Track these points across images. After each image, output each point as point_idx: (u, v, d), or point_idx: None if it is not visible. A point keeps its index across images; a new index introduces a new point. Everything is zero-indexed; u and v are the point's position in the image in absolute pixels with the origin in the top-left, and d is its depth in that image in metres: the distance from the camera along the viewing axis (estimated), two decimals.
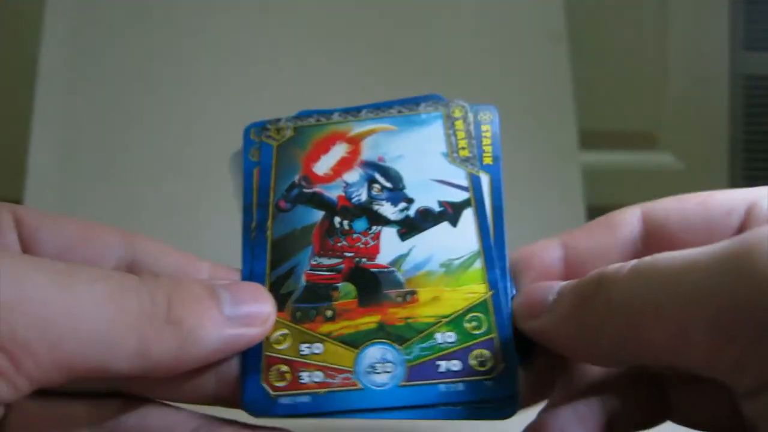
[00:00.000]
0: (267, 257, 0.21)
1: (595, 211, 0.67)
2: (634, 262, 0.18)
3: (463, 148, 0.23)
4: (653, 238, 0.22)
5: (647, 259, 0.18)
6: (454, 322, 0.20)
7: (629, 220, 0.22)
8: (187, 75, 0.64)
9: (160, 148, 0.62)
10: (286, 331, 0.20)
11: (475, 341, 0.20)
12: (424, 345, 0.20)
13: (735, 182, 0.88)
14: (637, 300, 0.17)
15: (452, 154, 0.23)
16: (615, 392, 0.21)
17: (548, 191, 0.65)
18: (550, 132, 0.67)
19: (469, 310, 0.20)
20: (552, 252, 0.23)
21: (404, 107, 0.26)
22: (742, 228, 0.20)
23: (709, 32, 0.85)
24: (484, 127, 0.24)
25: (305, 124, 0.24)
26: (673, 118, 0.85)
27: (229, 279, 0.21)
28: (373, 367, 0.19)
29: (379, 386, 0.19)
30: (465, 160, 0.23)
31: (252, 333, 0.19)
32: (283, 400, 0.19)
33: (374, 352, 0.20)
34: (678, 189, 0.86)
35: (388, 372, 0.19)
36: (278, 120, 0.24)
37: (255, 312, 0.19)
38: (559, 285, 0.20)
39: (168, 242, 0.22)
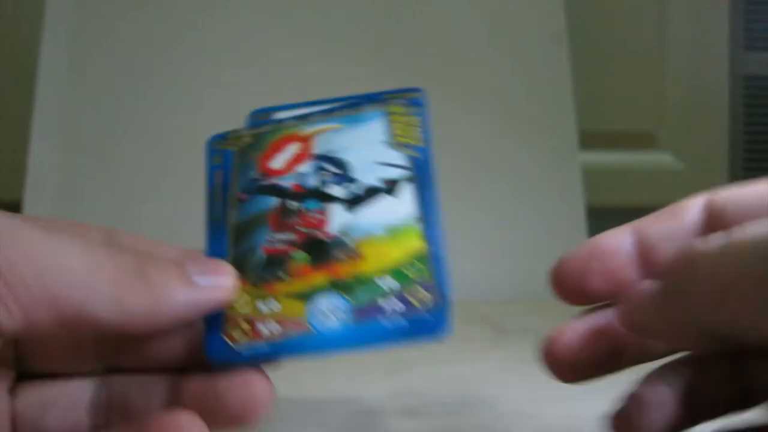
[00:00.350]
0: (228, 240, 0.24)
1: (595, 211, 0.68)
2: (727, 234, 0.18)
3: (401, 135, 0.26)
4: (713, 224, 0.23)
5: (742, 229, 0.18)
6: (396, 270, 0.22)
7: (693, 207, 0.24)
8: (187, 74, 0.64)
9: (160, 147, 0.62)
10: (247, 296, 0.22)
11: (415, 285, 0.22)
12: (369, 291, 0.22)
13: (735, 182, 0.88)
14: (728, 268, 0.17)
15: (392, 140, 0.26)
16: (704, 372, 0.22)
17: (548, 191, 0.65)
18: (550, 132, 0.67)
19: (409, 260, 0.23)
20: (624, 239, 0.24)
21: (349, 109, 0.29)
22: None
23: (709, 32, 0.85)
24: (416, 118, 0.27)
25: (262, 131, 0.27)
26: (673, 118, 0.85)
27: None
28: (323, 313, 0.22)
29: (329, 329, 0.21)
30: (403, 145, 0.26)
31: (217, 296, 0.21)
32: (244, 350, 0.21)
33: (325, 301, 0.22)
34: (678, 189, 0.86)
35: (337, 317, 0.22)
36: (238, 130, 0.27)
37: (218, 281, 0.21)
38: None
39: (168, 241, 0.24)
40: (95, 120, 0.62)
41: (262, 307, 0.22)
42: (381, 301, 0.22)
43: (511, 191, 0.65)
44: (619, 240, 0.24)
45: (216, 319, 0.22)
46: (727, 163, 0.85)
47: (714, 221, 0.23)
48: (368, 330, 0.21)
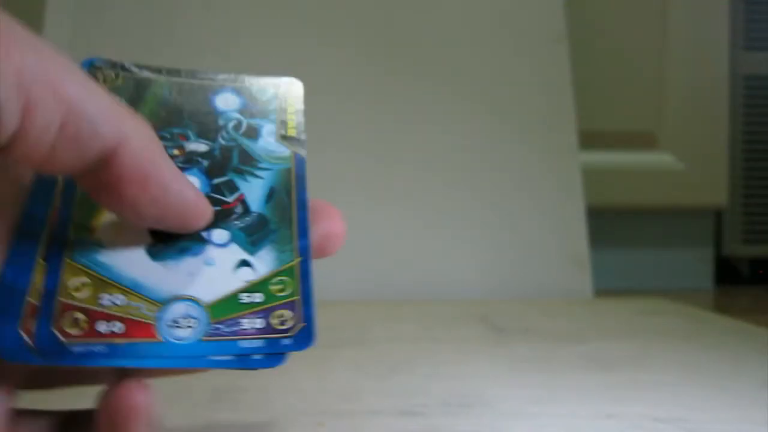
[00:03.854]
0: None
1: (595, 211, 0.68)
2: None
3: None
4: None
5: None
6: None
7: None
8: None
9: None
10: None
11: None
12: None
13: (735, 182, 0.88)
14: None
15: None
16: None
17: (548, 191, 0.65)
18: (550, 132, 0.67)
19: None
20: None
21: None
22: None
23: (709, 32, 0.85)
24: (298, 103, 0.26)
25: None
26: (673, 118, 0.85)
27: None
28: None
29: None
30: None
31: (190, 199, 0.20)
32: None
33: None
34: (678, 189, 0.86)
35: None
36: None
37: (198, 196, 0.20)
38: None
39: None
40: None
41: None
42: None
43: (511, 191, 0.65)
44: None
45: (46, 300, 0.19)
46: (727, 163, 0.85)
47: None
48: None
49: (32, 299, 0.19)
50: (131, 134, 0.18)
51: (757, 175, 0.90)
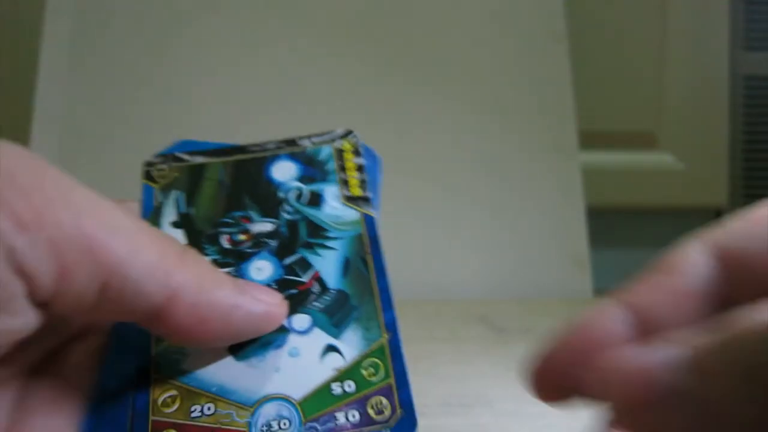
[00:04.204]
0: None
1: (595, 211, 0.68)
2: None
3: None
4: (734, 274, 0.18)
5: None
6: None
7: (694, 261, 0.18)
8: (188, 75, 0.64)
9: (160, 148, 0.61)
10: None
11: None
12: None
13: (735, 182, 0.88)
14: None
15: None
16: None
17: (548, 191, 0.65)
18: (550, 132, 0.67)
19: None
20: (616, 317, 0.18)
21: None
22: None
23: (709, 32, 0.85)
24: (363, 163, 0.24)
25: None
26: (673, 118, 0.85)
27: None
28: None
29: None
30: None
31: (268, 307, 0.19)
32: None
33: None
34: (678, 189, 0.86)
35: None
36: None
37: (273, 299, 0.20)
38: (681, 359, 0.15)
39: None
40: (95, 120, 0.62)
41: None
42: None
43: (511, 191, 0.65)
44: (612, 323, 0.18)
45: (140, 423, 0.18)
46: (727, 163, 0.85)
47: (737, 272, 0.18)
48: None
49: (155, 417, 0.19)
50: (182, 286, 0.18)
51: (757, 175, 0.89)
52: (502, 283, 0.62)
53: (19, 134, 0.61)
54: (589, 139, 0.72)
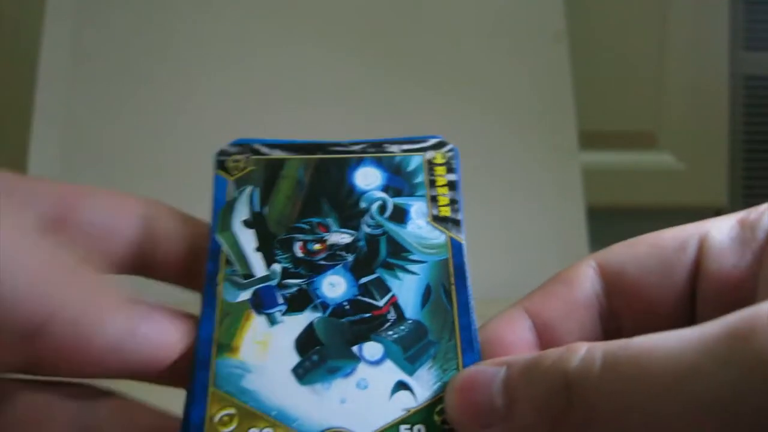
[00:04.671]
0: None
1: (595, 211, 0.68)
2: (600, 353, 0.16)
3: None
4: (614, 290, 0.20)
5: (618, 350, 0.15)
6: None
7: (586, 275, 0.20)
8: (188, 75, 0.64)
9: (160, 147, 0.62)
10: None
11: None
12: None
13: (735, 182, 0.88)
14: (629, 412, 0.15)
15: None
16: None
17: (548, 191, 0.65)
18: (550, 132, 0.67)
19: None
20: (520, 325, 0.20)
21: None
22: (697, 261, 0.20)
23: (709, 32, 0.85)
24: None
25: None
26: (673, 118, 0.85)
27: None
28: None
29: None
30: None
31: (153, 351, 0.17)
32: None
33: None
34: (678, 189, 0.86)
35: None
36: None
37: (164, 331, 0.18)
38: (500, 377, 0.17)
39: None
40: (95, 120, 0.62)
41: None
42: None
43: (511, 191, 0.65)
44: (517, 332, 0.20)
45: None
46: (727, 163, 0.85)
47: (614, 286, 0.20)
48: None
49: None
50: (63, 305, 0.16)
51: (757, 175, 0.89)
52: (501, 283, 0.62)
53: (19, 134, 0.61)
54: (589, 139, 0.72)
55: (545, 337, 0.20)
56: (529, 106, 0.67)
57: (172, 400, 0.19)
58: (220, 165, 0.22)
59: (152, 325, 0.18)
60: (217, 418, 0.18)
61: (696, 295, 0.19)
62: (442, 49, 0.67)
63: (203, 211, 0.22)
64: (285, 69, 0.64)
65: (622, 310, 0.20)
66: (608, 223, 0.92)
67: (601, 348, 0.16)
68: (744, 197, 0.88)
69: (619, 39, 0.85)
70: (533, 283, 0.22)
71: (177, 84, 0.63)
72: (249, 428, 0.18)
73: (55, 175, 0.60)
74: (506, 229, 0.64)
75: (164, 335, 0.18)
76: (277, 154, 0.22)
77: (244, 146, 0.22)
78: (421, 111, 0.66)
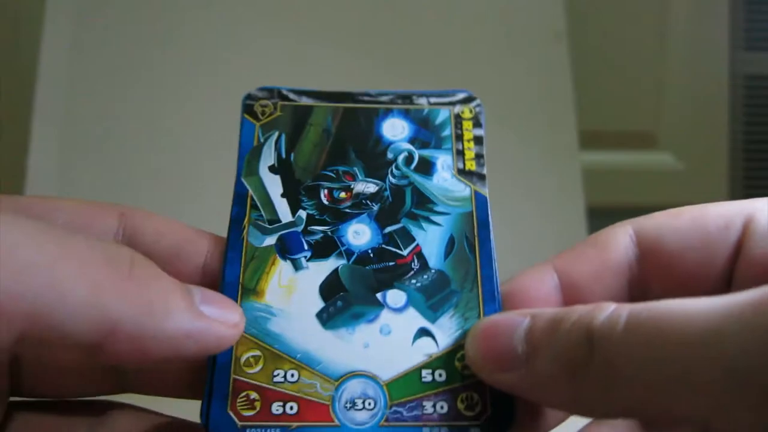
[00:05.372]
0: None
1: (595, 211, 0.68)
2: (626, 312, 0.16)
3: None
4: (649, 258, 0.20)
5: (644, 310, 0.15)
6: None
7: (621, 240, 0.20)
8: (189, 74, 0.64)
9: (160, 147, 0.62)
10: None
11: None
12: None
13: (735, 182, 0.88)
14: (648, 369, 0.15)
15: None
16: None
17: (548, 191, 0.65)
18: (550, 132, 0.67)
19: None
20: (547, 282, 0.20)
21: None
22: (740, 243, 0.19)
23: (709, 32, 0.85)
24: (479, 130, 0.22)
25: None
26: (673, 118, 0.85)
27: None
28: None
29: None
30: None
31: (222, 330, 0.17)
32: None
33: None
34: (678, 189, 0.86)
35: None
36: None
37: (225, 315, 0.17)
38: (523, 326, 0.17)
39: None
40: (95, 120, 0.62)
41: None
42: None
43: (511, 191, 0.65)
44: (542, 288, 0.20)
45: (220, 380, 0.18)
46: (727, 163, 0.85)
47: (649, 255, 0.20)
48: None
49: (237, 376, 0.18)
50: (122, 319, 0.16)
51: (757, 175, 0.89)
52: (501, 282, 0.62)
53: (19, 134, 0.61)
54: (589, 139, 0.72)
55: (570, 297, 0.20)
56: (529, 106, 0.67)
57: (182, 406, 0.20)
58: (248, 109, 0.23)
59: (212, 309, 0.17)
60: (243, 359, 0.18)
61: (733, 275, 0.19)
62: (442, 49, 0.67)
63: (203, 210, 0.22)
64: (285, 69, 0.64)
65: (654, 281, 0.20)
66: (608, 223, 0.92)
67: (627, 307, 0.16)
68: (744, 197, 0.88)
69: (619, 39, 0.85)
70: None
71: (177, 84, 0.63)
72: (274, 370, 0.18)
73: (55, 175, 0.60)
74: (506, 229, 0.64)
75: (226, 316, 0.18)
76: (305, 101, 0.23)
77: (272, 91, 0.23)
78: None
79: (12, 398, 0.19)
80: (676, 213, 0.21)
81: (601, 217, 0.74)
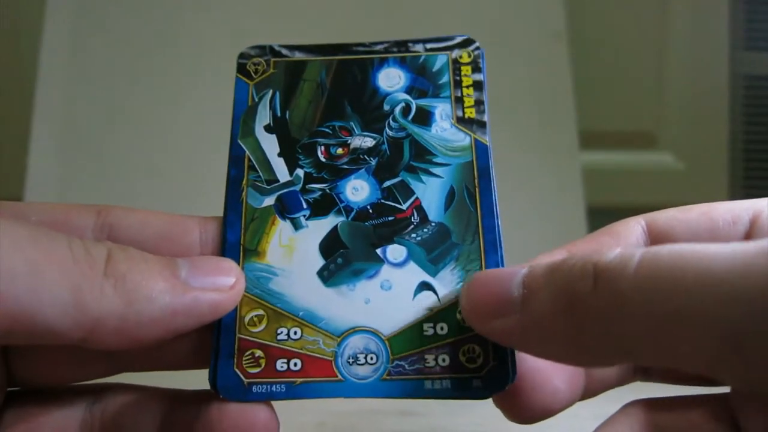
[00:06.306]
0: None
1: (595, 211, 0.68)
2: (640, 251, 0.15)
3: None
4: None
5: (661, 248, 0.15)
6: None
7: (634, 230, 0.21)
8: (189, 74, 0.64)
9: (160, 147, 0.62)
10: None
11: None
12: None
13: (735, 182, 0.88)
14: (659, 302, 0.14)
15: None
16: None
17: (548, 191, 0.65)
18: (550, 132, 0.67)
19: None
20: None
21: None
22: (747, 237, 0.20)
23: (709, 32, 0.85)
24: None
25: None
26: (673, 118, 0.85)
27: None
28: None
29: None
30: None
31: (215, 297, 0.17)
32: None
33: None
34: (678, 189, 0.86)
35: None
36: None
37: (216, 281, 0.18)
38: (521, 274, 0.17)
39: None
40: (95, 120, 0.62)
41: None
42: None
43: (511, 191, 0.65)
44: None
45: (226, 340, 0.18)
46: (727, 163, 0.85)
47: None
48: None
49: (242, 335, 0.18)
50: (103, 316, 0.16)
51: (757, 175, 0.89)
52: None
53: (19, 134, 0.61)
54: (589, 139, 0.72)
55: None
56: (529, 106, 0.67)
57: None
58: (241, 68, 0.22)
59: (202, 278, 0.18)
60: (247, 318, 0.18)
61: None
62: None
63: (203, 211, 0.22)
64: None
65: None
66: (608, 223, 0.92)
67: (641, 249, 0.15)
68: (744, 197, 0.88)
69: (619, 39, 0.85)
70: None
71: (177, 84, 0.63)
72: (278, 328, 0.18)
73: (56, 175, 0.60)
74: (506, 229, 0.64)
75: (218, 282, 0.18)
76: (298, 55, 0.22)
77: (264, 48, 0.23)
78: None
79: (9, 389, 0.19)
80: (687, 208, 0.21)
81: (601, 217, 0.73)
